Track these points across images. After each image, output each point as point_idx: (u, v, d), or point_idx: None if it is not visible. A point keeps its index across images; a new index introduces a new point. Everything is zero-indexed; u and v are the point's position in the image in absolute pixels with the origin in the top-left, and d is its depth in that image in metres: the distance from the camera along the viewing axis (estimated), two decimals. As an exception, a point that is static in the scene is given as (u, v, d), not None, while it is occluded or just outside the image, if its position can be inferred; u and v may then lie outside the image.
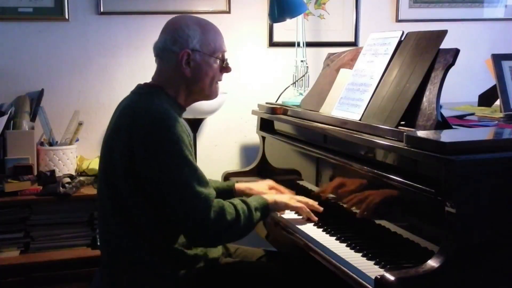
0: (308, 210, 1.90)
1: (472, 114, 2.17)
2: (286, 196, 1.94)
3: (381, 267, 1.47)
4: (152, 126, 1.63)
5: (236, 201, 1.74)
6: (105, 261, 1.79)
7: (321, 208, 1.91)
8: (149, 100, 1.71)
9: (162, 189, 1.63)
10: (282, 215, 1.97)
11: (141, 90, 1.79)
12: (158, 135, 1.63)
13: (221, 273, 1.83)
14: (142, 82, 1.84)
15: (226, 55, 1.85)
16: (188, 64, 1.75)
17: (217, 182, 2.16)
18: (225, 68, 1.84)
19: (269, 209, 1.83)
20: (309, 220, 1.90)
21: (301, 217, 1.95)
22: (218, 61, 1.81)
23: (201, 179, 1.65)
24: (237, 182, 2.15)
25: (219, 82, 1.86)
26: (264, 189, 2.06)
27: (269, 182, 2.11)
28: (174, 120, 1.66)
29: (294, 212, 2.02)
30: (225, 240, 1.84)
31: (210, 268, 1.80)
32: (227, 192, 2.06)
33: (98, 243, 2.47)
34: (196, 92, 1.82)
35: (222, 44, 1.83)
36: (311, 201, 1.93)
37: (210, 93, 1.85)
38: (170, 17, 1.85)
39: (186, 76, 1.76)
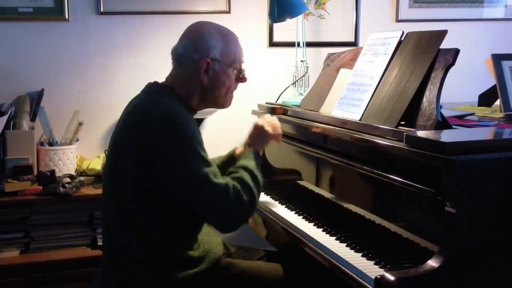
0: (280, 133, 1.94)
1: (472, 114, 2.17)
2: (259, 129, 1.92)
3: (381, 267, 1.48)
4: (164, 125, 1.63)
5: (240, 172, 1.71)
6: (105, 261, 1.79)
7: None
8: (159, 99, 1.71)
9: (181, 186, 1.63)
10: (283, 215, 1.97)
11: (151, 89, 1.79)
12: (170, 133, 1.62)
13: (221, 273, 1.83)
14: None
15: (244, 65, 1.86)
16: (207, 73, 1.76)
17: (220, 157, 2.16)
18: (241, 78, 1.86)
19: (260, 155, 1.86)
20: (310, 220, 1.89)
21: (301, 217, 1.95)
22: (235, 71, 1.82)
23: (216, 173, 1.66)
24: (236, 148, 2.11)
25: (233, 92, 1.87)
26: (253, 133, 1.99)
27: (255, 123, 2.01)
28: (186, 117, 1.67)
29: (294, 212, 2.03)
30: (250, 214, 1.80)
31: (211, 268, 1.80)
32: (231, 161, 2.02)
33: (98, 243, 2.47)
34: (210, 100, 1.83)
35: (241, 54, 1.85)
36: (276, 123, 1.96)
37: (224, 102, 1.86)
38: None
39: (203, 84, 1.77)
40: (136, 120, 1.68)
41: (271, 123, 1.96)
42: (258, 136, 1.92)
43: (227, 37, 1.81)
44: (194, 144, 1.63)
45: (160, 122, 1.63)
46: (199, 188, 1.62)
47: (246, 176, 1.71)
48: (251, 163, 1.77)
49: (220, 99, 1.84)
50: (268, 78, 3.01)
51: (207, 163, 1.65)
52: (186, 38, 1.80)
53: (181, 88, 1.78)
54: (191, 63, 1.76)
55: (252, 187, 1.69)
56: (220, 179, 1.65)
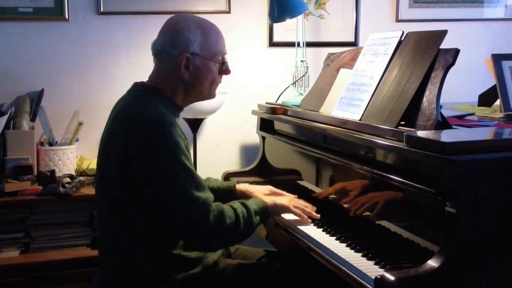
0: (308, 211, 1.90)
1: (472, 114, 2.17)
2: (285, 199, 1.92)
3: (381, 267, 1.47)
4: (148, 132, 1.61)
5: (236, 204, 1.73)
6: (104, 263, 1.79)
7: (318, 216, 1.90)
8: (144, 103, 1.69)
9: (159, 195, 1.62)
10: (283, 215, 1.96)
11: (136, 92, 1.76)
12: (154, 141, 1.61)
13: (221, 274, 1.83)
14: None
15: (227, 56, 1.83)
16: (187, 68, 1.73)
17: (218, 181, 2.15)
18: (224, 70, 1.82)
19: (269, 213, 1.83)
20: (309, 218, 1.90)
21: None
22: (217, 64, 1.78)
23: (198, 184, 1.64)
24: (238, 182, 2.15)
25: (219, 84, 1.85)
26: (264, 193, 2.05)
27: (270, 187, 2.10)
28: (170, 125, 1.64)
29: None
30: (225, 244, 1.84)
31: (210, 269, 1.80)
32: (228, 193, 2.06)
33: (98, 243, 2.47)
34: (194, 94, 1.80)
35: (223, 46, 1.81)
36: (309, 206, 1.92)
37: (209, 95, 1.83)
38: (170, 17, 1.84)
39: (184, 79, 1.74)
40: (122, 127, 1.66)
41: (298, 204, 1.92)
42: (279, 207, 1.88)
43: (206, 30, 1.76)
44: (176, 153, 1.61)
45: (144, 130, 1.61)
46: (176, 199, 1.60)
47: (240, 210, 1.71)
48: (253, 207, 1.76)
49: (204, 93, 1.81)
50: (268, 78, 3.01)
51: (189, 173, 1.63)
52: (164, 33, 1.76)
53: (164, 87, 1.76)
54: (171, 59, 1.73)
55: (240, 220, 1.68)
56: (201, 193, 1.62)
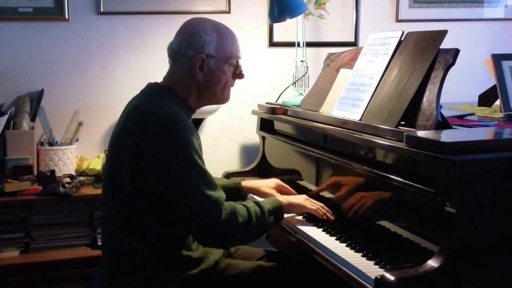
0: (324, 211, 1.89)
1: (472, 114, 2.17)
2: (301, 198, 1.92)
3: (381, 267, 1.47)
4: (162, 129, 1.62)
5: (250, 203, 1.74)
6: (106, 262, 1.79)
7: (332, 218, 1.88)
8: (159, 101, 1.70)
9: (171, 193, 1.62)
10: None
11: (151, 91, 1.78)
12: (167, 138, 1.61)
13: (221, 274, 1.83)
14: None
15: (241, 61, 1.84)
16: (201, 70, 1.75)
17: (224, 180, 2.15)
18: (238, 74, 1.84)
19: (283, 212, 1.83)
20: (310, 220, 1.90)
21: (301, 217, 1.95)
22: (231, 68, 1.81)
23: (210, 183, 1.64)
24: (243, 180, 2.14)
25: (231, 88, 1.86)
26: (271, 186, 2.06)
27: (276, 181, 2.10)
28: (184, 123, 1.65)
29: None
30: (238, 242, 1.84)
31: (211, 269, 1.80)
32: (233, 191, 2.06)
33: (98, 243, 2.47)
34: (208, 96, 1.82)
35: (238, 50, 1.83)
36: (325, 207, 1.91)
37: (221, 98, 1.85)
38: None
39: (198, 80, 1.76)
40: (135, 123, 1.67)
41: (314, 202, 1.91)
42: (295, 206, 1.88)
43: (222, 33, 1.79)
44: (189, 151, 1.62)
45: (158, 128, 1.62)
46: (188, 198, 1.60)
47: (253, 209, 1.71)
48: (267, 206, 1.76)
49: (217, 96, 1.82)
50: (268, 78, 3.01)
51: (201, 171, 1.63)
52: (180, 34, 1.79)
53: (178, 88, 1.77)
54: (186, 60, 1.75)
55: (252, 219, 1.68)
56: (213, 192, 1.63)
